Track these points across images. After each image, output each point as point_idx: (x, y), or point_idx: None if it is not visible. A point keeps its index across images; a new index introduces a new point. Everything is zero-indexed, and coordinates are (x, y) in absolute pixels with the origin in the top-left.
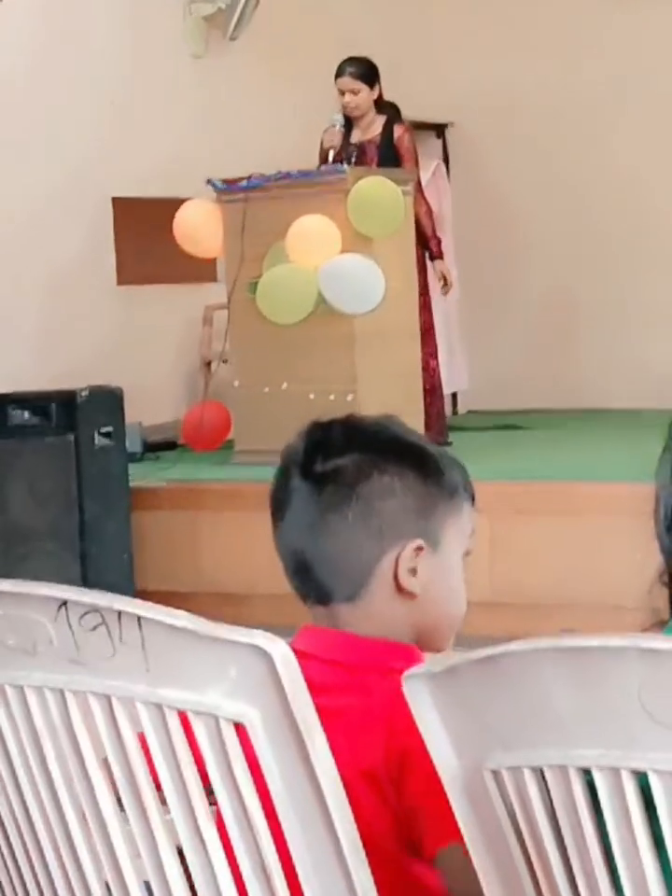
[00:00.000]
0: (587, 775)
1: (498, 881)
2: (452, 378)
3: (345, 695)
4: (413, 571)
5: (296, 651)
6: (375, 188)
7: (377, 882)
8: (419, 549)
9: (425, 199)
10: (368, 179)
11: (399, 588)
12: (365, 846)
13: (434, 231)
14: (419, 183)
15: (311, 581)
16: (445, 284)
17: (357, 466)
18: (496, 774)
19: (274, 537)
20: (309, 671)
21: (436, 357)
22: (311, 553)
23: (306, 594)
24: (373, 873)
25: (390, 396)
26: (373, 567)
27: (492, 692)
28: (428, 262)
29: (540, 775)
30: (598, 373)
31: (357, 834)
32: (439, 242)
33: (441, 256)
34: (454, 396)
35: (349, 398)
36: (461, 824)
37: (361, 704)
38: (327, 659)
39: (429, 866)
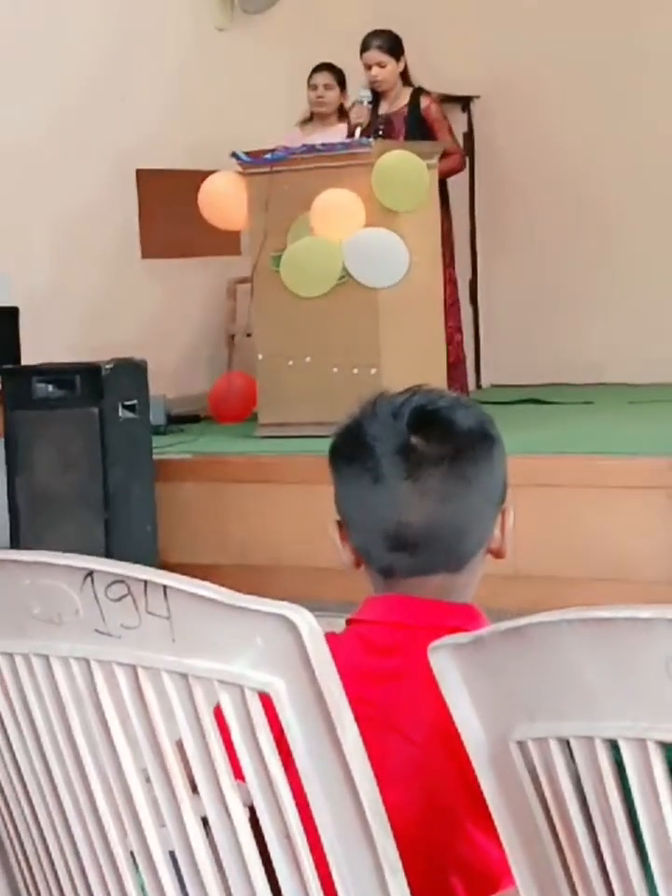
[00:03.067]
0: (613, 746)
1: (523, 851)
2: None
3: (412, 656)
4: (504, 533)
5: (359, 621)
6: (400, 161)
7: (437, 847)
8: (506, 511)
9: (462, 151)
10: (392, 153)
11: (493, 551)
12: (429, 808)
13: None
14: (455, 143)
15: (419, 554)
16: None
17: (476, 442)
18: (522, 745)
19: (356, 506)
20: (374, 636)
21: (460, 331)
22: (432, 527)
23: (396, 565)
24: (433, 835)
25: (414, 369)
26: (489, 536)
27: (518, 663)
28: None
29: (567, 746)
30: (622, 347)
31: (381, 804)
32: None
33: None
34: (477, 370)
35: (372, 371)
36: (487, 795)
37: (427, 662)
38: (391, 622)
39: (497, 838)
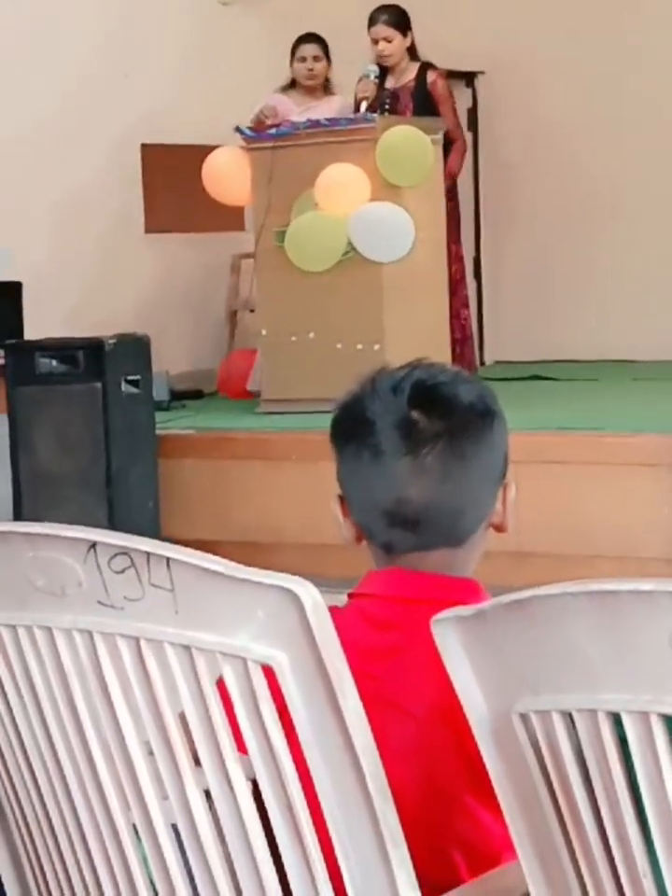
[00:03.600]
0: (616, 718)
1: (526, 824)
2: None
3: (412, 631)
4: (505, 508)
5: (360, 595)
6: (404, 136)
7: (438, 823)
8: (507, 485)
9: (463, 138)
10: (396, 128)
11: (494, 526)
12: (429, 783)
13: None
14: (457, 126)
15: (419, 530)
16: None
17: (477, 417)
18: (524, 718)
19: (357, 482)
20: (375, 610)
21: (467, 307)
22: (433, 503)
23: (397, 541)
24: (434, 810)
25: (418, 346)
26: (490, 511)
27: (521, 636)
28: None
29: (569, 719)
30: (627, 323)
31: (384, 778)
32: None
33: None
34: (481, 346)
35: (376, 347)
36: (489, 767)
37: (428, 637)
38: (393, 596)
39: (498, 813)
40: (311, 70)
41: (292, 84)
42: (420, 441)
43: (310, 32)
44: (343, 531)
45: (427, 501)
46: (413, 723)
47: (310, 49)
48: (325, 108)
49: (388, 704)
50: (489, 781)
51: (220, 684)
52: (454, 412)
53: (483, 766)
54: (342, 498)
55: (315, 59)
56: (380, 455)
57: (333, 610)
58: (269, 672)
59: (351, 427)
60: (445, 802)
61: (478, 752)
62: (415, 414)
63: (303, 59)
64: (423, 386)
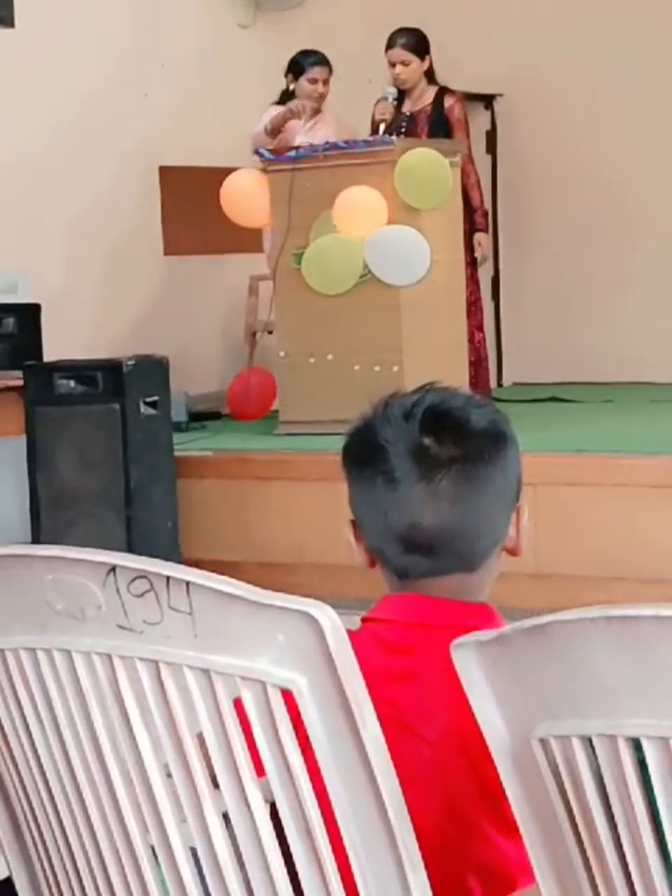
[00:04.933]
0: (636, 744)
1: (545, 849)
2: None
3: (427, 656)
4: (519, 532)
5: (374, 620)
6: (422, 159)
7: (454, 847)
8: (520, 509)
9: (475, 170)
10: (415, 150)
11: (508, 550)
12: (445, 808)
13: (481, 202)
14: (470, 154)
15: (433, 555)
16: (482, 257)
17: (490, 442)
18: (544, 743)
19: (369, 508)
20: (390, 635)
21: (482, 329)
22: (446, 529)
23: (411, 567)
24: (449, 836)
25: (436, 367)
26: (504, 535)
27: (541, 661)
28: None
29: (589, 744)
30: (644, 346)
31: (403, 803)
32: (484, 214)
33: (484, 229)
34: (499, 367)
35: (395, 369)
36: (508, 792)
37: (443, 662)
38: (408, 622)
39: (513, 837)
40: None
41: (283, 100)
42: (433, 466)
43: (319, 51)
44: (356, 556)
45: (441, 527)
46: (428, 748)
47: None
48: (328, 125)
49: (403, 728)
50: (505, 806)
51: (237, 703)
52: (466, 437)
53: (499, 791)
54: (354, 523)
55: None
56: (393, 482)
57: (348, 634)
58: (288, 696)
59: (363, 453)
60: (461, 827)
61: (493, 777)
62: (428, 440)
63: (315, 80)
64: (435, 412)
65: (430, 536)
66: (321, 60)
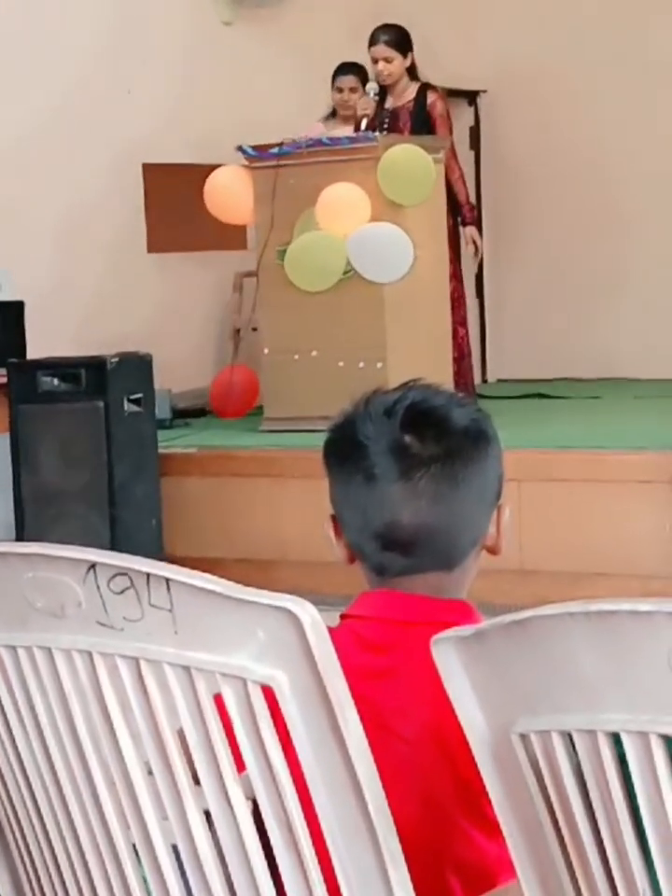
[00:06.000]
0: (616, 739)
1: (526, 844)
2: None
3: (405, 653)
4: (499, 530)
5: (353, 616)
6: (405, 155)
7: (433, 845)
8: (501, 508)
9: (458, 165)
10: (398, 147)
11: (488, 548)
12: (423, 806)
13: (467, 197)
14: (453, 149)
15: (411, 553)
16: (476, 250)
17: (470, 441)
18: (524, 738)
19: (349, 504)
20: (368, 632)
21: (465, 325)
22: (425, 527)
23: (389, 564)
24: (427, 833)
25: (420, 363)
26: (483, 535)
27: (520, 656)
28: (461, 228)
29: (568, 739)
30: (628, 342)
31: (384, 799)
32: (471, 208)
33: (473, 223)
34: (483, 364)
35: (379, 365)
36: (488, 787)
37: (420, 659)
38: (385, 618)
39: (492, 834)
40: (346, 101)
41: (333, 113)
42: (413, 465)
43: (349, 61)
44: (336, 551)
45: (420, 525)
46: (406, 746)
47: (347, 81)
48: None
49: (380, 726)
50: (484, 803)
51: (218, 699)
52: (447, 436)
53: (478, 789)
54: (334, 519)
55: (352, 90)
56: (373, 479)
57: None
58: (268, 692)
59: (344, 450)
60: (439, 824)
61: (471, 775)
62: (408, 438)
63: (340, 89)
64: (416, 409)
65: (408, 534)
66: (346, 68)
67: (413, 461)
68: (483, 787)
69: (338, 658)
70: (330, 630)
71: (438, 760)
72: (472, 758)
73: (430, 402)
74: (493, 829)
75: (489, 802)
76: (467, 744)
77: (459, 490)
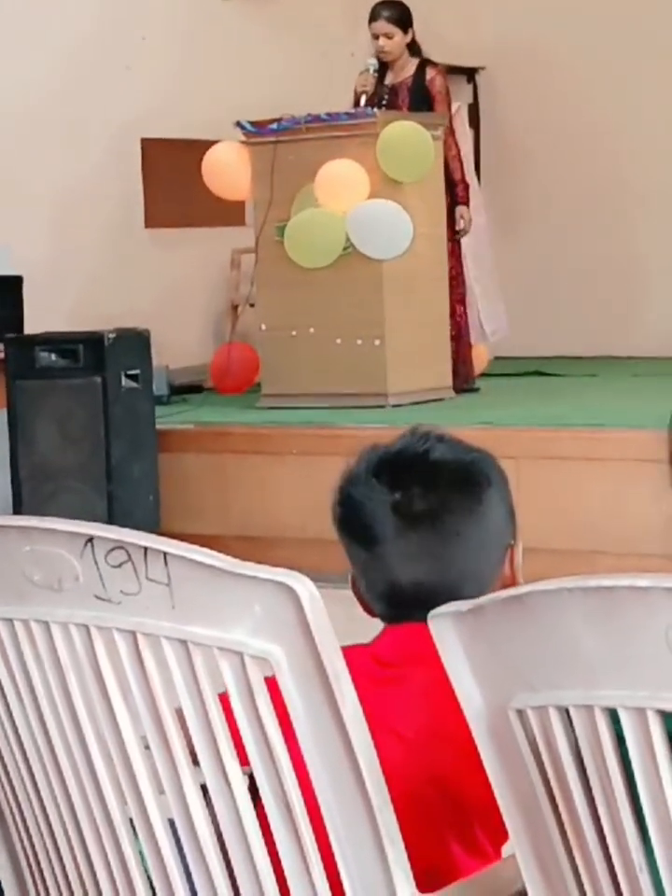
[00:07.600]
0: (613, 715)
1: (522, 820)
2: (496, 324)
3: (414, 666)
4: (513, 571)
5: (373, 644)
6: (404, 131)
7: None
8: (512, 545)
9: (455, 143)
10: (397, 123)
11: (506, 584)
12: (416, 810)
13: (463, 175)
14: (451, 126)
15: (417, 608)
16: (461, 229)
17: (463, 492)
18: (521, 713)
19: (356, 566)
20: (381, 651)
21: (463, 304)
22: (426, 585)
23: (398, 618)
24: (409, 838)
25: (418, 342)
26: (494, 578)
27: (518, 631)
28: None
29: (566, 715)
30: (626, 320)
31: (381, 775)
32: (466, 187)
33: (465, 202)
34: None
35: (376, 343)
36: (485, 762)
37: (429, 671)
38: (400, 646)
39: (470, 849)
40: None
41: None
42: (405, 524)
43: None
44: (360, 606)
45: (420, 584)
46: (402, 746)
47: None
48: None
49: (381, 725)
50: (474, 817)
51: (223, 698)
52: (436, 490)
53: (470, 806)
54: (353, 577)
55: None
56: (371, 541)
57: (344, 650)
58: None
59: (344, 515)
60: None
61: (461, 779)
62: (398, 496)
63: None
64: (404, 466)
65: (409, 595)
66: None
67: (404, 520)
68: (478, 807)
69: (350, 669)
70: (344, 650)
71: (432, 765)
72: (467, 771)
73: (420, 456)
74: (478, 850)
75: (483, 825)
76: (463, 756)
77: (455, 545)
